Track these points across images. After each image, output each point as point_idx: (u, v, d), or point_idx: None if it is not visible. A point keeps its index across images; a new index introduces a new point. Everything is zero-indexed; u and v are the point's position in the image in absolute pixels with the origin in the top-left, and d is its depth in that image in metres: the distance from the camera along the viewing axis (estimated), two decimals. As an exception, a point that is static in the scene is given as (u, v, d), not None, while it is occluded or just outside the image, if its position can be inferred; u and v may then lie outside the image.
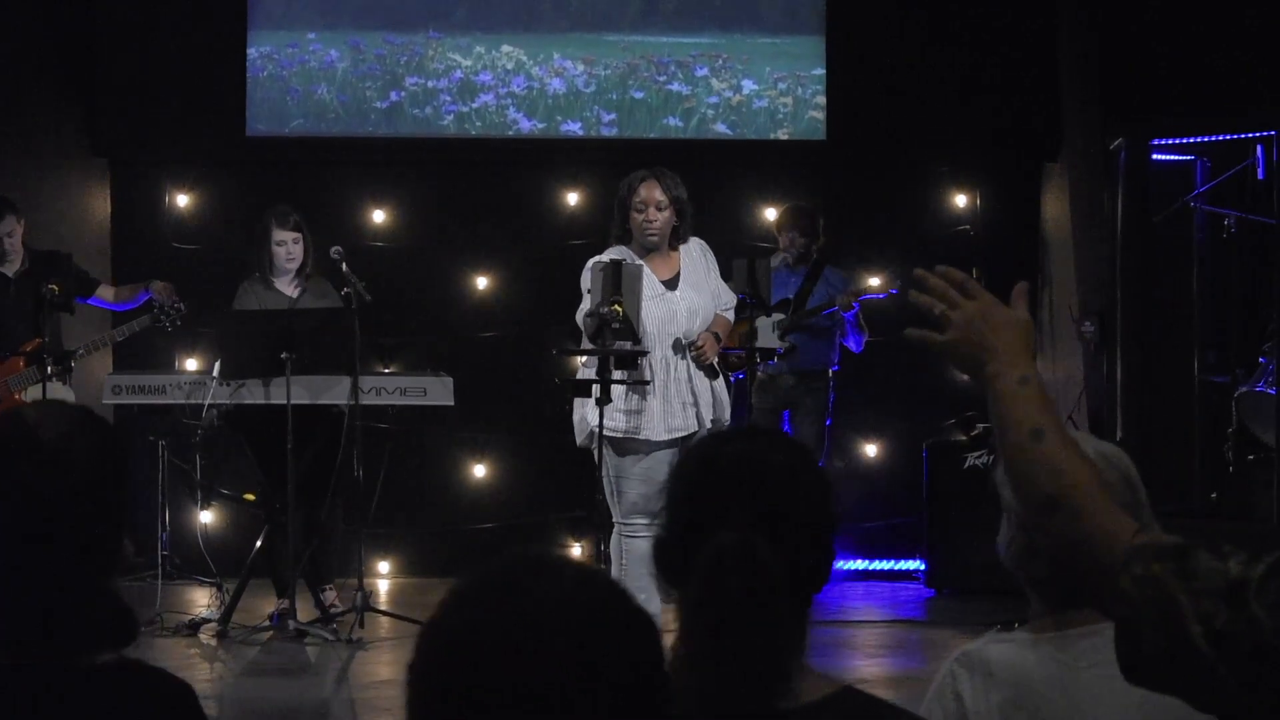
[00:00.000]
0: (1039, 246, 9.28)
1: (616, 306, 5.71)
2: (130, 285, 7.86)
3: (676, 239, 6.38)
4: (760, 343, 7.82)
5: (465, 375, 8.05)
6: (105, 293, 7.83)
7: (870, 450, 9.16)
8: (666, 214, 6.26)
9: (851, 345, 8.40)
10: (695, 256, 6.43)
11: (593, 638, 1.16)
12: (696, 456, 1.96)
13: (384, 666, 6.64)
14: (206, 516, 8.55)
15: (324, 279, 7.56)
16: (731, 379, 8.19)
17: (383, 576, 8.91)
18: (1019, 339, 1.86)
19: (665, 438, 6.12)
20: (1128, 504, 2.30)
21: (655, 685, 1.14)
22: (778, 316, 8.24)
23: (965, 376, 1.92)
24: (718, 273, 6.53)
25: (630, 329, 5.81)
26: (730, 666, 1.75)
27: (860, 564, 8.82)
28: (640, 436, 6.15)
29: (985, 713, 2.28)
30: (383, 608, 7.75)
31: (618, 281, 5.71)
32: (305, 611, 7.22)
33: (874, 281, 8.25)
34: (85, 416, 2.09)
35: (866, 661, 7.04)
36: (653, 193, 6.25)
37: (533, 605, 1.17)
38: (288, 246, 7.48)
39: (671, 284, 6.32)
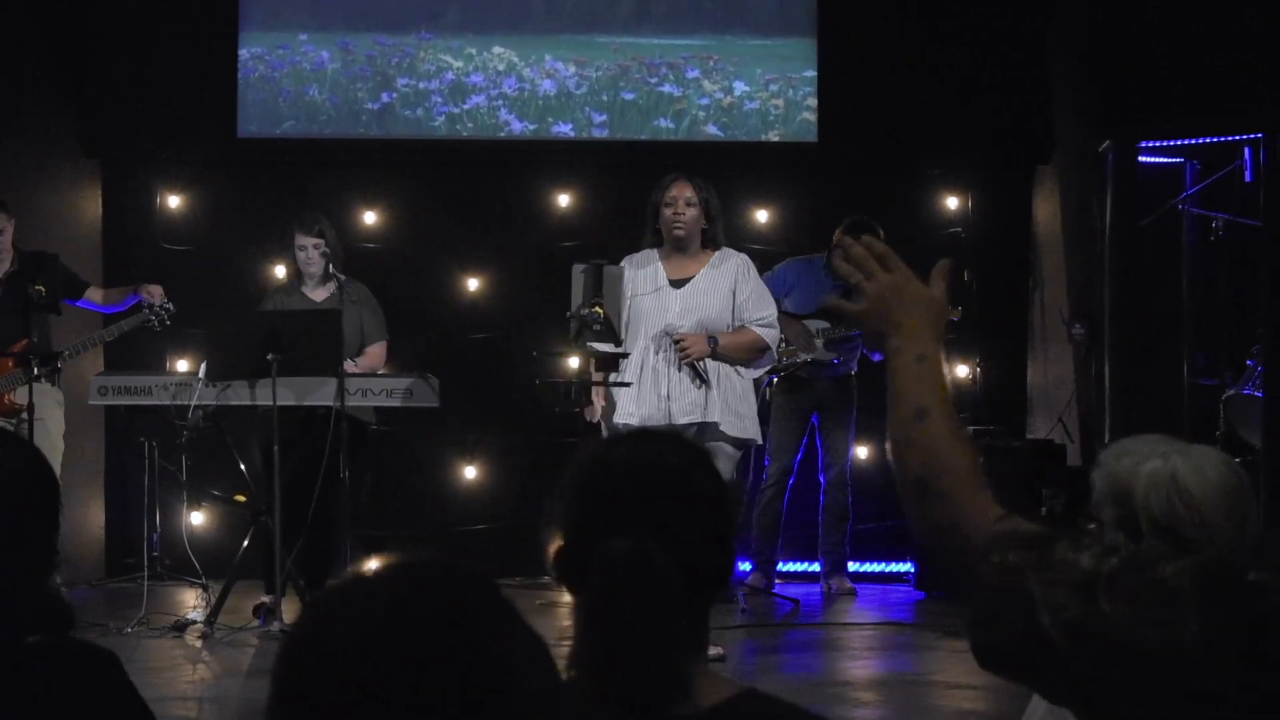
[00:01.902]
0: (1030, 249, 9.28)
1: (598, 308, 5.72)
2: (119, 288, 7.87)
3: (709, 242, 6.48)
4: (814, 355, 8.02)
5: (457, 377, 8.07)
6: (94, 295, 7.83)
7: (860, 452, 9.15)
8: (695, 211, 6.41)
9: (877, 355, 8.47)
10: (728, 267, 6.48)
11: (452, 640, 1.16)
12: (589, 460, 1.93)
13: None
14: (194, 518, 8.56)
15: (360, 283, 7.60)
16: (765, 383, 8.30)
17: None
18: (927, 317, 1.86)
19: (633, 423, 6.19)
20: (1247, 505, 2.32)
21: (522, 689, 1.14)
22: (822, 324, 8.33)
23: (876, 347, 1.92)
24: (755, 289, 6.53)
25: (611, 331, 5.82)
26: (626, 673, 1.73)
27: (850, 566, 8.81)
28: (613, 420, 6.25)
29: None
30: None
31: (599, 283, 5.73)
32: (292, 612, 7.22)
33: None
34: (11, 441, 2.37)
35: (854, 663, 7.04)
36: (683, 190, 6.43)
37: (390, 611, 1.17)
38: (308, 252, 7.54)
39: (679, 283, 6.37)
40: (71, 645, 2.18)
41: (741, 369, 6.42)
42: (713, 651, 6.43)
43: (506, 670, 1.14)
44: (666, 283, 6.32)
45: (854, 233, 8.32)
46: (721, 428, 6.34)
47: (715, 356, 6.28)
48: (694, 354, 6.23)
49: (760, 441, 6.57)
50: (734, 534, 1.91)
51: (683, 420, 6.21)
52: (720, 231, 6.51)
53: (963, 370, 9.16)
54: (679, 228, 6.35)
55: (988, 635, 1.58)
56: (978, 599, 1.62)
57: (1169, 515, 2.32)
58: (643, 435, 2.00)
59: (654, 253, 6.39)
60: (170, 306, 7.51)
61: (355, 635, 1.15)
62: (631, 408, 6.25)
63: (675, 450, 1.93)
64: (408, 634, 1.15)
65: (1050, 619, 1.54)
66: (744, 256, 6.56)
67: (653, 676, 1.73)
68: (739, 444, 6.43)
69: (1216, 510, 2.33)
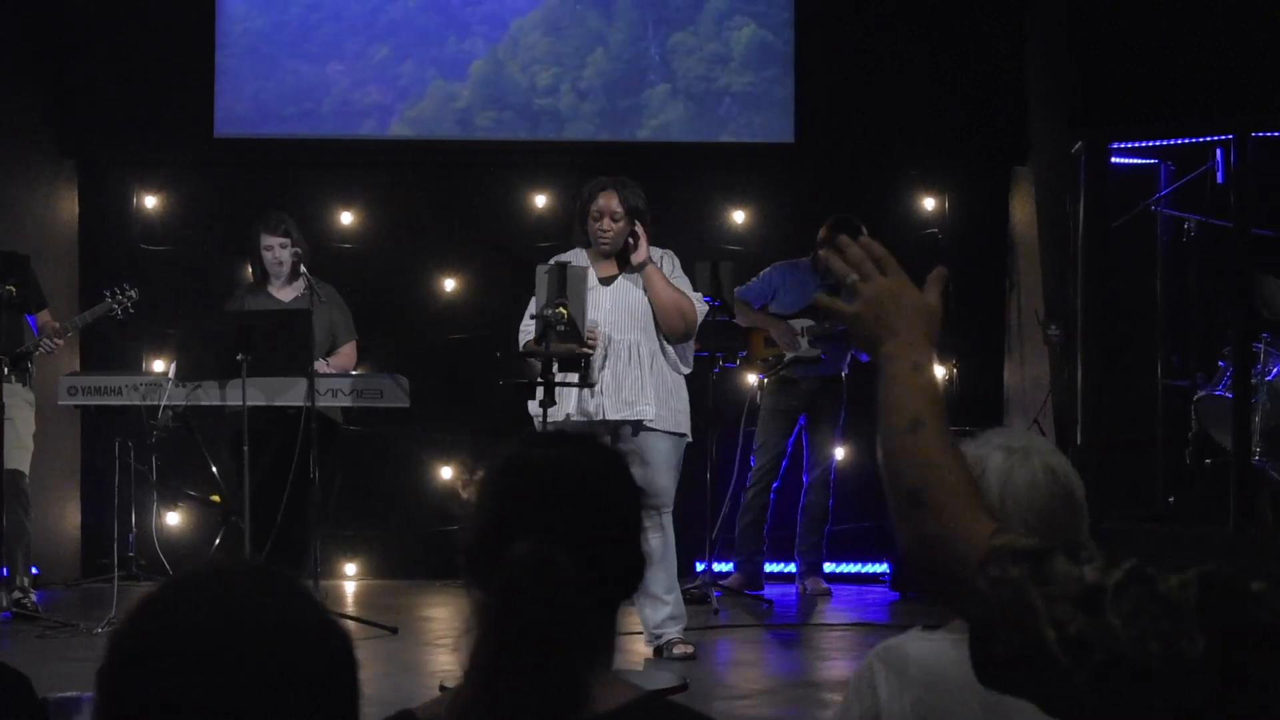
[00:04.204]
0: (1007, 249, 9.28)
1: (561, 309, 5.72)
2: (58, 323, 7.71)
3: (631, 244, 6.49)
4: (799, 353, 8.02)
5: (434, 377, 8.06)
6: (44, 317, 7.73)
7: (837, 454, 9.15)
8: (621, 224, 6.39)
9: (865, 355, 8.45)
10: (653, 259, 6.47)
11: (280, 645, 1.16)
12: (503, 461, 1.93)
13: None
14: (167, 518, 8.56)
15: (327, 283, 7.59)
16: (759, 378, 8.33)
17: (349, 579, 8.91)
18: (922, 324, 1.81)
19: (570, 417, 6.26)
20: (1064, 524, 2.28)
21: (344, 695, 1.14)
22: (807, 322, 8.33)
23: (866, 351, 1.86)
24: (680, 276, 6.56)
25: (575, 331, 5.82)
26: (524, 676, 1.73)
27: (827, 566, 8.82)
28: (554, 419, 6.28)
29: (899, 711, 2.26)
30: (348, 610, 7.74)
31: (563, 284, 5.72)
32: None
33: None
34: None
35: (827, 663, 7.03)
36: (610, 203, 6.38)
37: (219, 612, 1.18)
38: (274, 251, 7.54)
39: (608, 281, 6.40)
40: None
41: (676, 366, 6.44)
42: (680, 650, 6.43)
43: (322, 671, 1.14)
44: (596, 281, 6.36)
45: (839, 231, 8.31)
46: (654, 424, 6.29)
47: (648, 277, 6.32)
48: (642, 255, 6.30)
49: (689, 438, 6.54)
50: (644, 539, 1.90)
51: (615, 416, 6.21)
52: (649, 233, 6.51)
53: (939, 371, 9.15)
54: (604, 244, 6.39)
55: (988, 651, 1.56)
56: (975, 614, 1.58)
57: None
58: (559, 438, 1.99)
59: (583, 252, 6.43)
60: (133, 294, 7.51)
61: (175, 637, 1.16)
62: (569, 404, 6.27)
63: (589, 454, 1.93)
64: (227, 635, 1.15)
65: (1054, 633, 1.51)
66: (668, 251, 6.58)
67: (546, 681, 1.73)
68: (674, 438, 6.40)
69: (1017, 512, 2.28)
